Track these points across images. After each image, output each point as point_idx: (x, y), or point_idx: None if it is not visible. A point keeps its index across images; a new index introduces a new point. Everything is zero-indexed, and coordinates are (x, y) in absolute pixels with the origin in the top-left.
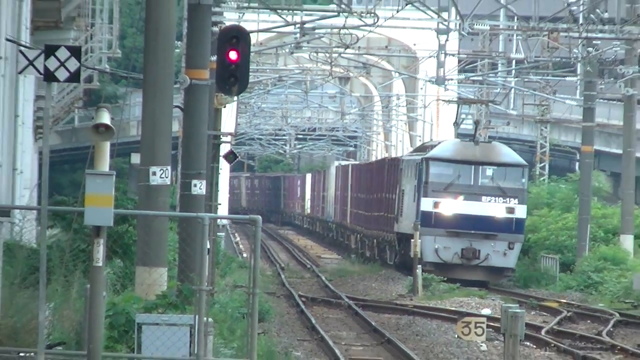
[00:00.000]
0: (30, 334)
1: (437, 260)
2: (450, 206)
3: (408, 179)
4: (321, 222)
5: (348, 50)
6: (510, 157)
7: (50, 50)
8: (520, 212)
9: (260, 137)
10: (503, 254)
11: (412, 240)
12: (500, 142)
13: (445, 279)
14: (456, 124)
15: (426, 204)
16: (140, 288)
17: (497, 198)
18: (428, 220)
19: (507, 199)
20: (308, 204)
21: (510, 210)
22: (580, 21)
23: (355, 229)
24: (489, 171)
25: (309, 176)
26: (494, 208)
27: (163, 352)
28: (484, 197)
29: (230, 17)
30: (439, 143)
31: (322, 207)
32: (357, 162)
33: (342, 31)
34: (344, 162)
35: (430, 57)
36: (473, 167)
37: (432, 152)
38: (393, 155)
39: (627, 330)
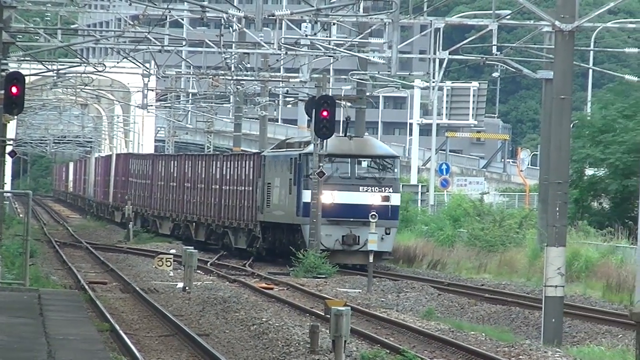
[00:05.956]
0: None
1: (320, 247)
2: (331, 197)
3: (278, 172)
4: (82, 199)
5: (87, 88)
6: (382, 149)
7: None
8: (395, 199)
9: (31, 141)
10: (381, 239)
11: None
12: (180, 145)
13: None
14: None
15: (307, 196)
16: None
17: (373, 187)
18: (310, 211)
19: (383, 188)
20: (71, 184)
21: (386, 198)
22: (232, 69)
23: (119, 206)
24: (364, 163)
25: (71, 164)
26: (370, 197)
27: None
28: (361, 187)
29: (12, 66)
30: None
31: (84, 187)
32: (123, 153)
33: (82, 75)
34: (104, 154)
35: (138, 91)
36: (349, 159)
37: (311, 148)
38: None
39: (260, 264)
